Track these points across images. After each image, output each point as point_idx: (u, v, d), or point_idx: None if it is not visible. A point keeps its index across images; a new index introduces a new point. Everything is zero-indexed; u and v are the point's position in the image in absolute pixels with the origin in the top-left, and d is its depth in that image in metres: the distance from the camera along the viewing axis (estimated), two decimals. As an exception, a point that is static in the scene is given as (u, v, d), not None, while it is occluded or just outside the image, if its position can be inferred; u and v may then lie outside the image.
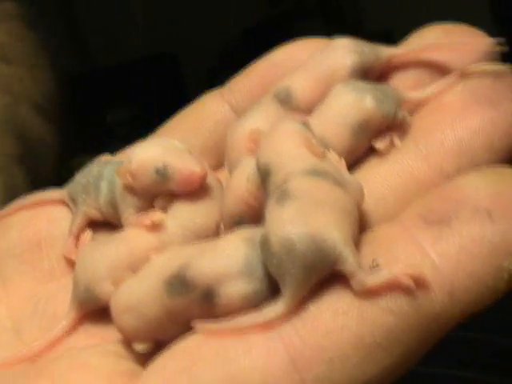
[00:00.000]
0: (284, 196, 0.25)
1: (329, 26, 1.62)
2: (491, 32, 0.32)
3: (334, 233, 0.24)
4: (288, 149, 0.27)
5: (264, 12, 1.61)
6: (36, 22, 0.60)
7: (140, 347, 0.28)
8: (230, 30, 1.59)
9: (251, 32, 1.67)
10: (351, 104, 0.30)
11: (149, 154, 0.31)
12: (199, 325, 0.25)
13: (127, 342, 0.28)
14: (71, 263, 0.34)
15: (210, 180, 0.31)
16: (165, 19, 1.56)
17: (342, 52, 0.32)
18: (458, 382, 0.53)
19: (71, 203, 0.35)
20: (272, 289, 0.25)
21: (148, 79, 1.61)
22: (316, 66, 0.32)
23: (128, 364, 0.28)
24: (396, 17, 1.58)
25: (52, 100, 0.58)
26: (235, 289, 0.26)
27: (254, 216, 0.29)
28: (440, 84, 0.31)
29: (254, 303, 0.26)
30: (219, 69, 1.70)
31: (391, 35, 1.57)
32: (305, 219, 0.24)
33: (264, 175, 0.27)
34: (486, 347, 0.55)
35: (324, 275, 0.24)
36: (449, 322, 0.23)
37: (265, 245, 0.25)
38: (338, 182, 0.26)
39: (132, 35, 1.58)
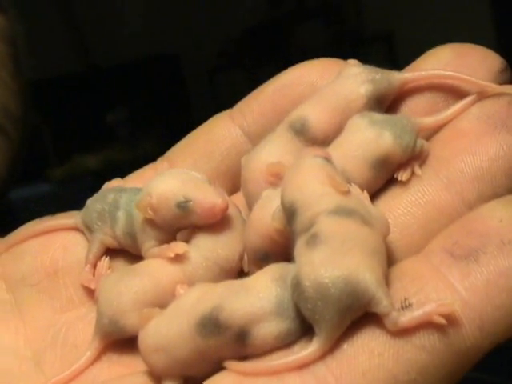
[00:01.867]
0: (314, 239, 0.25)
1: (329, 26, 1.62)
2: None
3: (366, 274, 0.24)
4: (313, 187, 0.27)
5: (264, 12, 1.61)
6: (10, 34, 0.59)
7: None
8: (229, 31, 1.59)
9: (251, 32, 1.67)
10: (370, 140, 0.30)
11: (169, 187, 0.31)
12: (233, 365, 0.26)
13: (154, 375, 0.28)
14: (89, 292, 0.33)
15: (230, 210, 0.31)
16: (165, 20, 1.56)
17: (355, 81, 0.32)
18: (461, 382, 0.53)
19: (86, 230, 0.35)
20: (304, 326, 0.26)
21: (148, 79, 1.61)
22: (330, 95, 0.32)
23: None
24: (396, 18, 1.58)
25: (11, 117, 0.57)
26: (268, 329, 0.26)
27: (279, 251, 0.29)
28: (454, 108, 0.31)
29: (286, 342, 0.26)
30: (219, 69, 1.70)
31: (391, 36, 1.57)
32: (337, 262, 0.24)
33: (290, 214, 0.27)
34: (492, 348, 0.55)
35: (358, 315, 0.24)
36: (478, 354, 0.24)
37: (297, 289, 0.25)
38: (365, 220, 0.26)
39: (132, 36, 1.57)
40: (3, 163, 0.56)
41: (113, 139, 1.55)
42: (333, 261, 0.24)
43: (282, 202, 0.28)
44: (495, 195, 0.27)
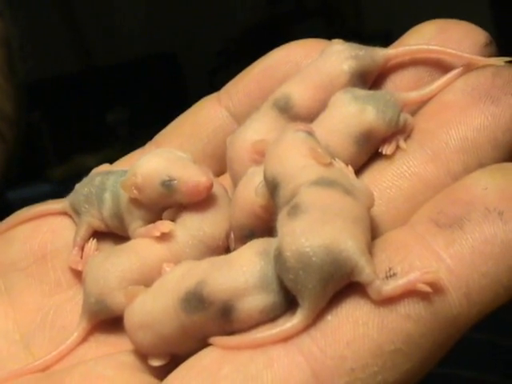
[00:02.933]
0: (295, 209, 0.25)
1: (328, 26, 1.62)
2: (491, 35, 0.32)
3: (348, 243, 0.24)
4: (294, 160, 0.26)
5: (264, 12, 1.61)
6: (4, 36, 0.60)
7: (156, 362, 0.27)
8: (229, 30, 1.59)
9: (251, 32, 1.67)
10: (353, 115, 0.30)
11: (153, 166, 0.31)
12: (217, 340, 0.25)
13: (141, 353, 0.28)
14: (77, 274, 0.33)
15: (216, 188, 0.31)
16: (165, 19, 1.56)
17: (338, 58, 0.32)
18: (457, 381, 0.53)
19: (74, 214, 0.35)
20: (289, 299, 0.25)
21: (148, 79, 1.61)
22: (313, 73, 0.32)
23: (144, 376, 0.28)
24: (395, 17, 1.58)
25: (6, 119, 0.58)
26: (253, 303, 0.25)
27: (264, 227, 0.29)
28: (439, 82, 0.31)
29: (271, 316, 0.25)
30: (219, 69, 1.70)
31: (391, 36, 1.57)
32: (318, 231, 0.24)
33: (272, 188, 0.27)
34: (486, 347, 0.55)
35: (341, 285, 0.24)
36: (466, 323, 0.24)
37: (279, 260, 0.25)
38: (348, 190, 0.25)
39: (132, 35, 1.58)
40: None
41: (113, 139, 1.55)
42: (314, 230, 0.24)
43: (265, 177, 0.27)
44: (481, 166, 0.27)
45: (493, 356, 0.57)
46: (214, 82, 1.81)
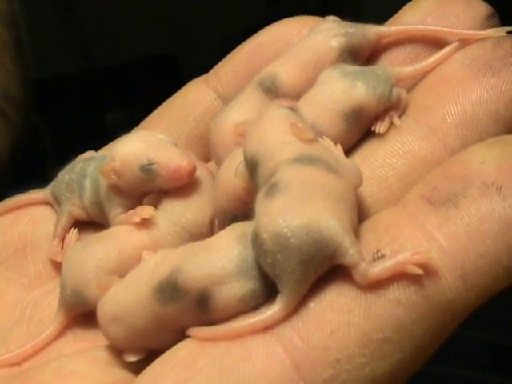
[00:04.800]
0: (273, 188, 0.23)
1: (329, 25, 1.62)
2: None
3: (330, 222, 0.22)
4: (274, 137, 0.25)
5: (264, 12, 1.60)
6: (12, 20, 0.59)
7: (131, 357, 0.26)
8: (229, 30, 1.58)
9: (251, 32, 1.66)
10: (341, 91, 0.28)
11: (132, 149, 0.30)
12: (194, 331, 0.24)
13: (116, 348, 0.27)
14: (58, 266, 0.32)
15: (200, 173, 0.30)
16: (165, 19, 1.55)
17: (327, 35, 0.30)
18: (457, 381, 0.52)
19: (55, 203, 0.34)
20: (270, 287, 0.23)
21: (148, 79, 1.60)
22: (301, 50, 0.31)
23: (118, 372, 0.26)
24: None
25: (12, 101, 0.57)
26: (232, 291, 0.24)
27: (247, 212, 0.27)
28: (436, 57, 0.29)
29: (252, 304, 0.24)
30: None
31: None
32: (296, 210, 0.22)
33: (252, 168, 0.25)
34: (486, 347, 0.54)
35: (324, 269, 0.22)
36: (463, 309, 0.22)
37: (256, 242, 0.23)
38: (331, 167, 0.23)
39: (132, 35, 1.57)
40: (4, 146, 0.56)
41: (113, 139, 1.55)
42: (292, 209, 0.22)
43: (244, 156, 0.26)
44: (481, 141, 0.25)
45: (492, 356, 0.56)
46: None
